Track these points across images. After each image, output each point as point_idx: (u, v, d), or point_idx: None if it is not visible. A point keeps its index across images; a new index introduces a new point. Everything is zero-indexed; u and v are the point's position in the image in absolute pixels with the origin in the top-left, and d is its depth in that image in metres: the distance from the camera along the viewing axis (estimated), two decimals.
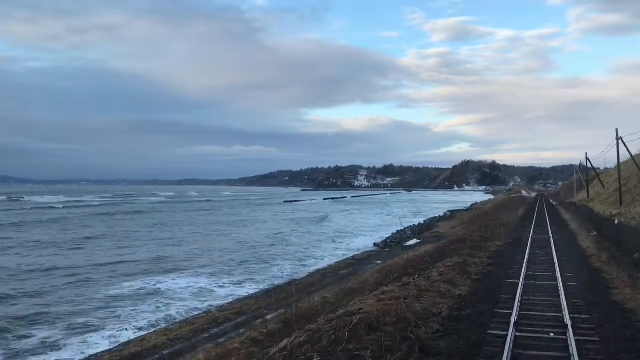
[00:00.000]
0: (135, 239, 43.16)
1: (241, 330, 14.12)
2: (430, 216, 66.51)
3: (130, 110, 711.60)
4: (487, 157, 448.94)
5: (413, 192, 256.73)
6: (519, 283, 12.36)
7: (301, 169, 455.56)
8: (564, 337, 8.09)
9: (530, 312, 9.80)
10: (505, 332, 8.12)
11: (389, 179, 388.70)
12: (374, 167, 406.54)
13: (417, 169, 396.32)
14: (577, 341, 7.66)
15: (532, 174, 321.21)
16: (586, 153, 47.39)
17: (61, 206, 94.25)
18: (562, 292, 11.32)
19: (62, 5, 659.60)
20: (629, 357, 7.21)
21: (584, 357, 7.12)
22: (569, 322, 8.69)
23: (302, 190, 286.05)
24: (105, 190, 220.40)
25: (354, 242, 41.67)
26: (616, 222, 19.55)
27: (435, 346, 7.48)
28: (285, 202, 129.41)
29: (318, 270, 26.43)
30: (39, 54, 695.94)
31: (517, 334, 8.17)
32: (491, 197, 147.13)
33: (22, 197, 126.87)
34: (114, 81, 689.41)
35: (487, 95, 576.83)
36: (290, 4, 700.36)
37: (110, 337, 16.11)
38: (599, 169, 52.00)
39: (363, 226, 57.88)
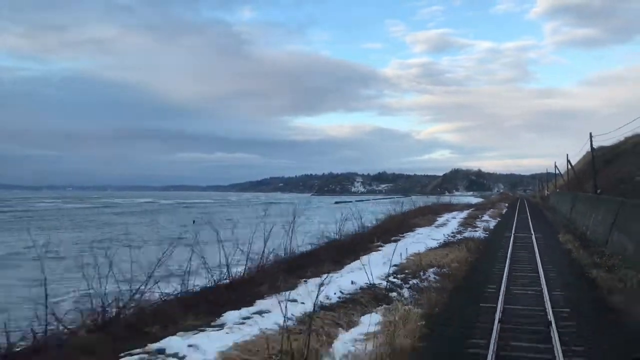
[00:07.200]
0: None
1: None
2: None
3: (116, 117, 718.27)
4: (468, 164, 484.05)
5: (423, 196, 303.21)
6: (518, 203, 71.35)
7: (295, 175, 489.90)
8: (525, 207, 66.73)
9: (522, 204, 68.36)
10: (517, 204, 66.94)
11: (383, 185, 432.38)
12: (368, 174, 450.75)
13: (409, 176, 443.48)
14: (528, 208, 66.55)
15: (514, 181, 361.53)
16: (555, 162, 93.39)
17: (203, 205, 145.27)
18: (526, 204, 69.96)
19: (58, 20, 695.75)
20: (538, 212, 65.51)
21: (529, 211, 65.64)
22: (528, 211, 66.95)
23: (312, 195, 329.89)
24: (133, 195, 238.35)
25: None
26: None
27: (508, 210, 65.98)
28: (335, 202, 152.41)
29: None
30: (29, 64, 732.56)
31: (519, 205, 66.86)
32: (482, 200, 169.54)
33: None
34: (101, 90, 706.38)
35: (467, 104, 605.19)
36: (277, 18, 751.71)
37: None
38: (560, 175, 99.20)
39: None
